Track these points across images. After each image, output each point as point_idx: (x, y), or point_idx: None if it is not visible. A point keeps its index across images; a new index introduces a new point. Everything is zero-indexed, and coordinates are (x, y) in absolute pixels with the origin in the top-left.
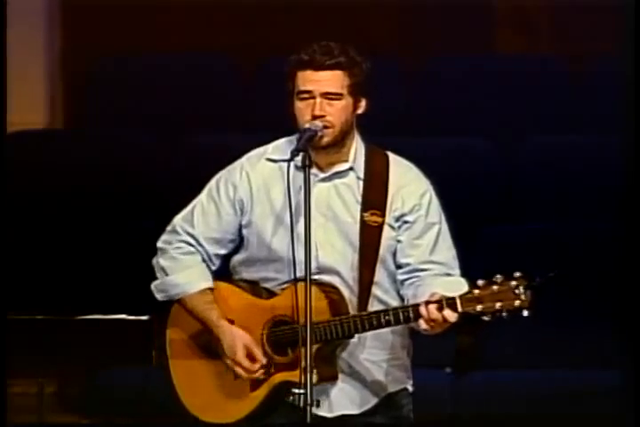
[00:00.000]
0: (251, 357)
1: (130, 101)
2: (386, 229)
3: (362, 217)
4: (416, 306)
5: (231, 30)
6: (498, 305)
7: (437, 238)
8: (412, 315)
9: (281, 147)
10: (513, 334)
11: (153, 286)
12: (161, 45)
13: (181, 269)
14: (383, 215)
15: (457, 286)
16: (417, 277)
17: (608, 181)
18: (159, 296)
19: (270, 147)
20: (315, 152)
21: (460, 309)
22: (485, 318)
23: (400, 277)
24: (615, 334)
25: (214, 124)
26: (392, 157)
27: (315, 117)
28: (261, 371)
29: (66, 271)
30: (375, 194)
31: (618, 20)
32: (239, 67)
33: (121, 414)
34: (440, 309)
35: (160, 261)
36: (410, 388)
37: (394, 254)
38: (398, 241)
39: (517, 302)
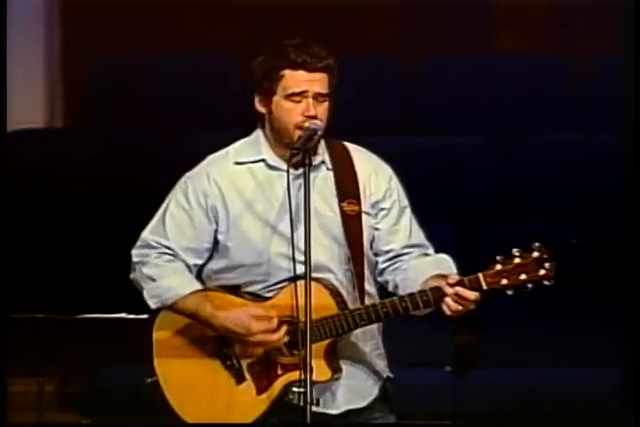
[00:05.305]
0: (262, 319)
1: (129, 101)
2: (364, 217)
3: (340, 208)
4: (436, 289)
5: (231, 30)
6: (522, 277)
7: (411, 221)
8: (431, 299)
9: (243, 149)
10: (513, 333)
11: (145, 293)
12: (161, 45)
13: (169, 274)
14: (359, 203)
15: (446, 263)
16: (400, 261)
17: (608, 181)
18: (152, 302)
19: (230, 150)
20: (286, 151)
21: (484, 286)
22: (509, 293)
23: (381, 266)
24: (615, 333)
25: (214, 124)
26: (349, 145)
27: (308, 118)
28: (282, 330)
29: (66, 270)
30: (347, 182)
31: (618, 20)
32: (239, 67)
33: (121, 414)
34: (465, 288)
35: (143, 270)
36: (392, 376)
37: (371, 243)
38: (376, 229)
39: (542, 272)
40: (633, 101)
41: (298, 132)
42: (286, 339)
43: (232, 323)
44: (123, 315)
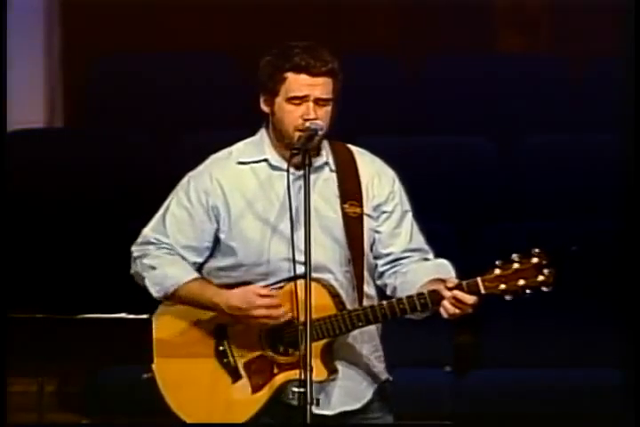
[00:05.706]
0: (265, 296)
1: (129, 101)
2: (366, 219)
3: (342, 209)
4: (434, 292)
5: (231, 30)
6: (521, 283)
7: (412, 225)
8: (429, 302)
9: (246, 149)
10: (513, 333)
11: (147, 281)
12: (161, 45)
13: (169, 263)
14: (361, 205)
15: (445, 267)
16: (400, 265)
17: (608, 181)
18: (154, 290)
19: (234, 150)
20: (288, 151)
21: (483, 290)
22: (507, 298)
23: (381, 269)
24: (615, 333)
25: (214, 124)
26: (353, 147)
27: (307, 121)
28: (285, 307)
29: (66, 270)
30: (349, 184)
31: (618, 20)
32: (239, 67)
33: (121, 414)
34: (463, 292)
35: (144, 261)
36: (390, 378)
37: (371, 245)
38: (377, 232)
39: (541, 278)
40: (633, 101)
41: (298, 134)
42: (288, 316)
43: (236, 298)
44: (123, 315)
